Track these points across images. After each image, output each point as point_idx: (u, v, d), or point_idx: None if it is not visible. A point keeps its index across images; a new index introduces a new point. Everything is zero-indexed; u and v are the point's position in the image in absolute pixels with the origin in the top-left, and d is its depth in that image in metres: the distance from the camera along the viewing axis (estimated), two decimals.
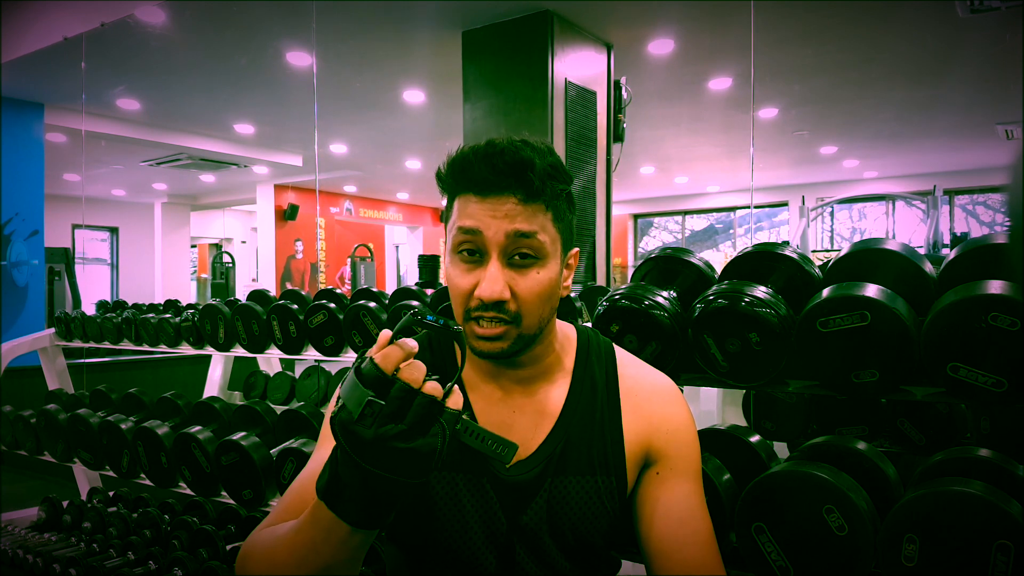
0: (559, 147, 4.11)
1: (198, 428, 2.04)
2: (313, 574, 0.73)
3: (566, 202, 0.88)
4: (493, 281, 0.83)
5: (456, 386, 0.69)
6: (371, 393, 0.65)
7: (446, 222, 0.91)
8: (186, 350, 2.55)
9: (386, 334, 0.68)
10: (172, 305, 2.92)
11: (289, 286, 10.12)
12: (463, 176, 0.85)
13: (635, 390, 0.96)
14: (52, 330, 3.17)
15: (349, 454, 0.66)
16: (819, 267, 1.30)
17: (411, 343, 0.68)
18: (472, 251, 0.85)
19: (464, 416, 0.69)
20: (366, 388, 0.65)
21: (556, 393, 0.95)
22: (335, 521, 0.70)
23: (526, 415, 0.93)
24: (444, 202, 0.92)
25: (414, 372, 0.66)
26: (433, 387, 0.66)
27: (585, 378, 0.96)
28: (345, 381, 0.67)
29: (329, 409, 0.93)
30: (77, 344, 3.06)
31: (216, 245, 13.53)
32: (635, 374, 0.98)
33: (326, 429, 0.93)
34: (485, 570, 0.90)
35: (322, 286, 10.65)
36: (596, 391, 0.95)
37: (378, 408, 0.64)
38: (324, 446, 0.91)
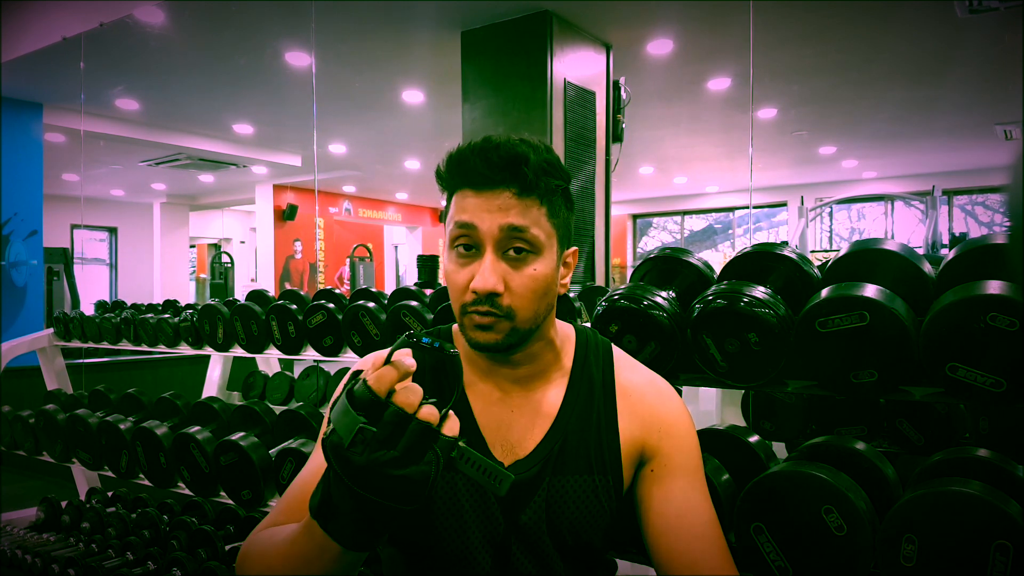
0: (558, 147, 4.11)
1: (197, 428, 2.04)
2: None
3: (562, 198, 0.89)
4: (488, 273, 0.84)
5: (453, 412, 0.67)
6: (362, 418, 0.62)
7: (444, 220, 0.92)
8: (185, 350, 2.55)
9: (380, 355, 0.66)
10: (171, 305, 2.92)
11: (288, 286, 10.11)
12: (459, 171, 0.87)
13: (630, 390, 0.97)
14: (51, 330, 3.16)
15: (341, 478, 0.65)
16: (818, 267, 1.30)
17: (407, 362, 0.65)
18: (468, 246, 0.86)
19: (461, 443, 0.66)
20: (358, 412, 0.63)
21: (554, 393, 0.95)
22: (327, 539, 0.70)
23: (524, 414, 0.94)
24: (444, 201, 0.93)
25: (409, 396, 0.63)
26: (429, 412, 0.64)
27: (583, 378, 0.96)
28: (336, 403, 0.65)
29: (323, 429, 0.94)
30: (76, 344, 3.05)
31: (215, 245, 13.52)
32: (631, 374, 0.99)
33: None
34: (481, 570, 0.90)
35: (321, 286, 10.64)
36: (593, 391, 0.96)
37: (370, 435, 0.62)
38: (321, 452, 0.92)
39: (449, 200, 0.90)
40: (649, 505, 0.91)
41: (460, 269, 0.87)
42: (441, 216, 0.94)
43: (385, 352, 0.66)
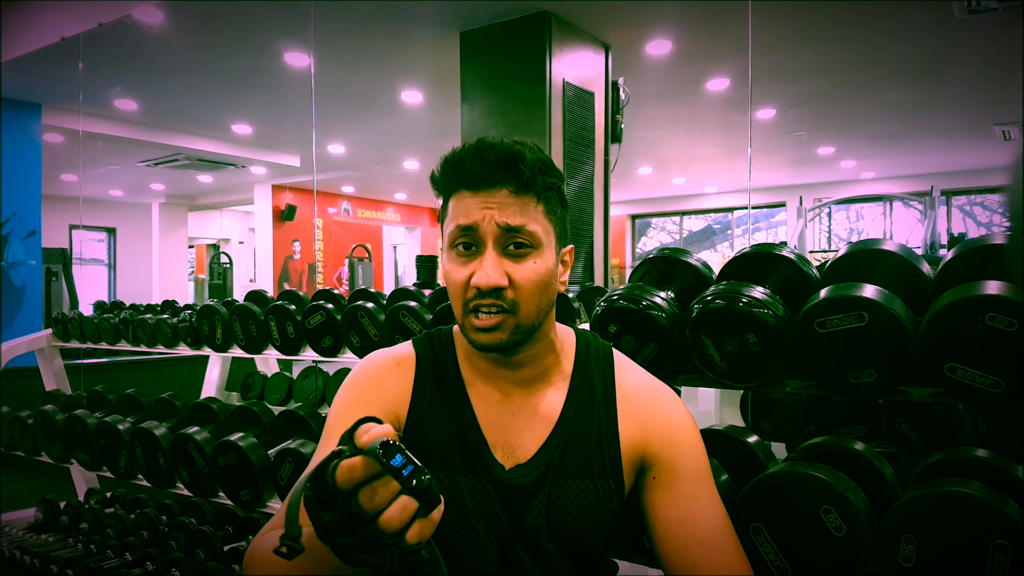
0: (557, 148, 4.11)
1: (196, 429, 2.03)
2: None
3: (557, 197, 0.91)
4: (490, 268, 0.85)
5: (422, 522, 0.58)
6: (314, 493, 0.59)
7: (442, 223, 0.92)
8: (184, 351, 2.54)
9: (364, 430, 0.60)
10: (169, 306, 2.92)
11: (287, 287, 10.11)
12: (456, 173, 0.88)
13: (631, 395, 0.97)
14: (49, 331, 3.16)
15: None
16: (816, 268, 1.30)
17: (375, 468, 0.58)
18: (468, 244, 0.87)
19: (425, 553, 0.59)
20: (314, 489, 0.59)
21: (554, 396, 0.95)
22: (326, 550, 0.68)
23: (524, 418, 0.94)
24: (439, 204, 0.94)
25: (374, 499, 0.57)
26: (390, 519, 0.57)
27: (583, 382, 0.96)
28: (313, 465, 0.62)
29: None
30: (74, 345, 3.05)
31: (214, 246, 13.51)
32: (632, 379, 0.99)
33: (326, 432, 0.93)
34: (487, 569, 0.90)
35: (320, 287, 10.64)
36: (594, 395, 0.96)
37: (322, 515, 0.60)
38: (324, 449, 0.91)
39: (446, 204, 0.91)
40: (654, 512, 0.92)
41: (460, 268, 0.87)
42: (439, 218, 0.94)
43: (371, 428, 0.60)
